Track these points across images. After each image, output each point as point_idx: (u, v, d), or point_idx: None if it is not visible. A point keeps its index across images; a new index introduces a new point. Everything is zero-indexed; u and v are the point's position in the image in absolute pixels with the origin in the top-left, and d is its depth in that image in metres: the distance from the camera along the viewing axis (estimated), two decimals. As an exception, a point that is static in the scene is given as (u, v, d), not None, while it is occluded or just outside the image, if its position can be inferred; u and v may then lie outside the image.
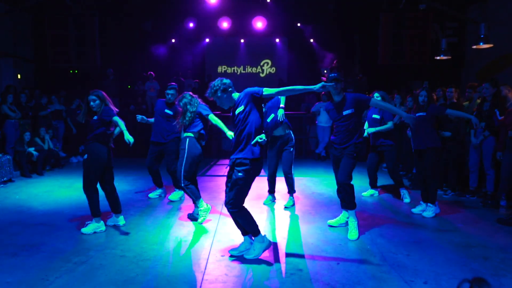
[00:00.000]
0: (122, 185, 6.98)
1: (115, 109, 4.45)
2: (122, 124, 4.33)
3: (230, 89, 3.68)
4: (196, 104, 4.94)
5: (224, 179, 7.88)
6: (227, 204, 3.58)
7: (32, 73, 11.82)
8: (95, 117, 4.37)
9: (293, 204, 5.58)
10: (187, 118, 4.86)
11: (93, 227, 4.42)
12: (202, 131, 5.00)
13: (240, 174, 3.49)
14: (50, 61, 11.16)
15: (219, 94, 3.66)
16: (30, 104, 8.99)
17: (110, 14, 11.98)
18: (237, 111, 3.59)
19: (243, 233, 3.79)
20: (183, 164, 4.75)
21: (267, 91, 3.53)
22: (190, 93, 5.07)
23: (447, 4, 10.21)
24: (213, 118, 4.95)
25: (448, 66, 10.97)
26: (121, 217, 4.68)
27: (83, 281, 3.22)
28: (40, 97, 9.38)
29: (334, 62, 12.72)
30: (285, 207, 5.49)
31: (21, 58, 11.13)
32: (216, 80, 3.71)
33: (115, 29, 12.64)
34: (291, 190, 5.57)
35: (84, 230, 4.39)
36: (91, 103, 4.36)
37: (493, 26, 8.65)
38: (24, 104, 8.65)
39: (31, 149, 7.93)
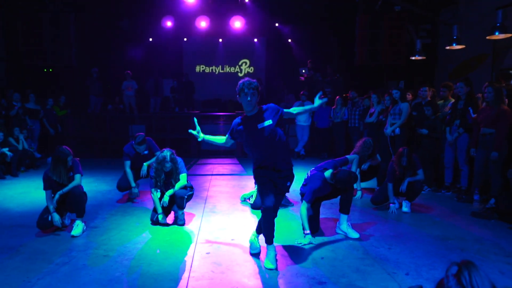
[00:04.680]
0: (102, 185, 6.88)
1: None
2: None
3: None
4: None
5: (206, 177, 7.75)
6: (275, 210, 3.57)
7: (3, 72, 11.45)
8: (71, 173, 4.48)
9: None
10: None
11: (82, 226, 4.38)
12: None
13: (288, 184, 3.66)
14: (23, 59, 10.81)
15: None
16: (4, 104, 8.71)
17: (86, 11, 11.72)
18: (266, 123, 3.47)
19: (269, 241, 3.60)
20: None
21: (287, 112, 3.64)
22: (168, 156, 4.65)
23: (421, 7, 10.52)
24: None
25: (422, 66, 11.29)
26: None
27: (67, 282, 3.16)
28: (13, 97, 9.08)
29: (308, 62, 12.86)
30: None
31: (-8, 56, 10.79)
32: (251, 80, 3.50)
33: (91, 27, 12.37)
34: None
35: (74, 232, 4.27)
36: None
37: (464, 28, 8.96)
38: (-1, 104, 8.39)
39: (5, 150, 7.68)
